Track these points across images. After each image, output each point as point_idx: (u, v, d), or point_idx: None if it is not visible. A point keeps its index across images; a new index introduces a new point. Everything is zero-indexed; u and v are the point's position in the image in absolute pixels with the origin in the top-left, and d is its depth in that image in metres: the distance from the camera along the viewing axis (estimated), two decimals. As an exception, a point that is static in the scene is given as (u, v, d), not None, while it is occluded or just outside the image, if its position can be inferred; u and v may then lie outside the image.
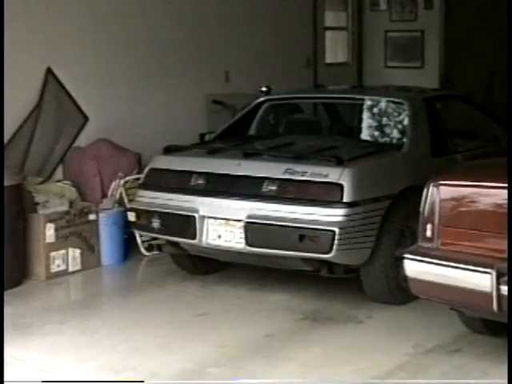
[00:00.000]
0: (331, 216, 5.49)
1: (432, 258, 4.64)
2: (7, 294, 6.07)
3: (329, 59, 10.81)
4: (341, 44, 11.16)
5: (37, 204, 6.73)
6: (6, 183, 6.30)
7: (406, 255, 4.81)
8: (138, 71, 8.17)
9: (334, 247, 5.45)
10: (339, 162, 5.64)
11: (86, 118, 7.69)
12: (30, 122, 7.33)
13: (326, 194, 5.57)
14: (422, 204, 4.82)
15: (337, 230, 5.43)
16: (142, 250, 7.17)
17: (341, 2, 11.11)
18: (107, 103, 7.85)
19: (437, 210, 4.74)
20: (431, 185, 4.79)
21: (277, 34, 9.69)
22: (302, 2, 10.19)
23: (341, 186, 5.52)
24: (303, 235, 5.51)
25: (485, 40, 10.41)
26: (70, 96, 7.58)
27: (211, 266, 6.59)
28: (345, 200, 5.50)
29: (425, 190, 4.81)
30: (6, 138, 7.16)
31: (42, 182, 7.09)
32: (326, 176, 5.58)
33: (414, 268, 4.74)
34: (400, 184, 5.82)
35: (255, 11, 9.40)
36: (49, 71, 7.43)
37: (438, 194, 4.74)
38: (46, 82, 7.42)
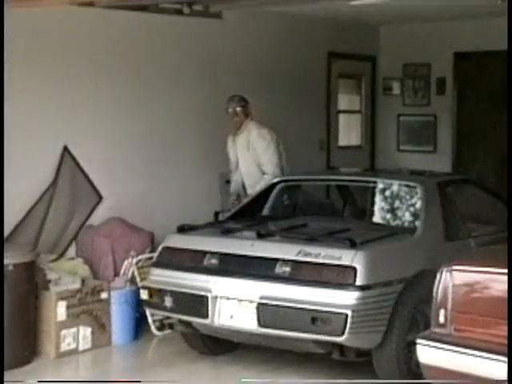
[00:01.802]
0: (344, 299, 5.48)
1: (445, 344, 4.61)
2: (17, 373, 6.04)
3: (342, 142, 10.90)
4: (354, 127, 11.27)
5: (49, 281, 6.74)
6: (18, 260, 6.33)
7: (418, 340, 4.78)
8: (151, 151, 8.26)
9: (347, 330, 5.42)
10: (352, 245, 5.65)
11: (99, 197, 7.75)
12: (45, 199, 7.39)
13: (338, 277, 5.56)
14: (435, 289, 4.81)
15: (349, 312, 5.42)
16: (153, 329, 7.14)
17: (354, 86, 11.25)
18: (121, 182, 7.92)
19: (450, 295, 4.72)
20: (444, 270, 4.78)
21: (290, 117, 9.80)
22: (316, 85, 10.33)
23: (354, 269, 5.53)
24: (316, 317, 5.50)
25: (495, 126, 10.49)
26: (84, 174, 7.66)
27: (223, 347, 6.56)
28: (358, 283, 5.50)
29: (438, 275, 4.80)
30: (21, 215, 7.22)
31: (54, 260, 7.11)
32: (339, 259, 5.59)
33: (427, 354, 4.70)
34: (413, 268, 5.81)
35: (269, 94, 9.52)
36: (65, 149, 7.52)
37: (451, 279, 4.73)
38: (62, 160, 7.50)
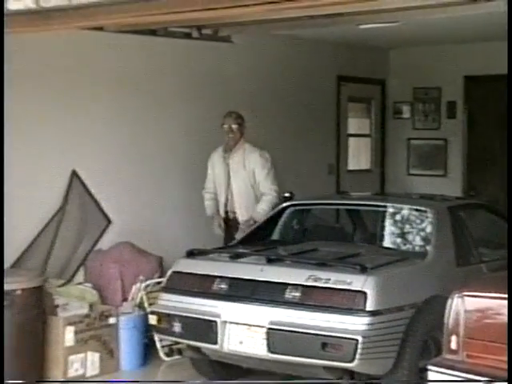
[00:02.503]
0: (354, 324, 5.42)
1: (457, 371, 4.55)
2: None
3: (351, 166, 10.88)
4: (364, 151, 11.24)
5: (57, 306, 6.70)
6: (26, 285, 6.30)
7: (430, 367, 4.72)
8: (160, 175, 8.25)
9: (357, 356, 5.36)
10: (363, 270, 5.60)
11: (108, 221, 7.72)
12: (53, 224, 7.37)
13: (349, 302, 5.51)
14: (447, 315, 4.75)
15: (360, 338, 5.35)
16: (162, 354, 7.08)
17: (364, 110, 11.24)
18: (130, 207, 7.90)
19: (462, 321, 4.67)
20: (456, 296, 4.73)
21: (300, 140, 9.79)
22: (326, 109, 10.32)
23: (364, 294, 5.47)
24: (326, 343, 5.44)
25: (506, 150, 10.45)
26: (93, 198, 7.64)
27: (232, 373, 6.50)
28: (368, 308, 5.44)
29: (449, 301, 4.75)
30: (29, 239, 7.20)
31: (63, 285, 7.07)
32: (350, 284, 5.53)
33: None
34: (424, 293, 5.76)
35: (278, 117, 9.52)
36: (74, 174, 7.51)
37: (463, 305, 4.68)
38: (71, 185, 7.49)
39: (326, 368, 5.61)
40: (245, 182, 7.63)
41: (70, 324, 6.59)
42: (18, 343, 6.22)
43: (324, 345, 5.44)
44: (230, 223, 7.77)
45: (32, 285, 6.36)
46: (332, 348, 5.42)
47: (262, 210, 7.53)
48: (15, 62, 6.95)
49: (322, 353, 5.45)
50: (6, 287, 6.20)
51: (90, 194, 7.60)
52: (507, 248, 4.27)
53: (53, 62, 7.30)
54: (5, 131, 6.99)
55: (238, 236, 7.36)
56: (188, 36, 7.86)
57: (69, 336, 6.58)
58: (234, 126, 7.67)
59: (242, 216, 7.67)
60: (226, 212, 7.78)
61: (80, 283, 7.27)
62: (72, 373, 6.58)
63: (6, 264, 6.91)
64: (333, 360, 5.48)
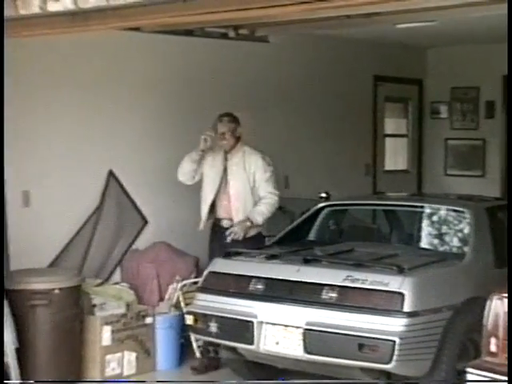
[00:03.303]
0: (391, 325, 5.38)
1: (497, 374, 4.49)
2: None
3: (388, 166, 10.82)
4: (400, 151, 11.18)
5: (94, 306, 6.73)
6: (64, 285, 6.35)
7: (469, 369, 4.67)
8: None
9: (394, 358, 5.32)
10: (400, 271, 5.56)
11: (145, 221, 7.75)
12: (90, 224, 7.41)
13: (386, 303, 5.47)
14: (486, 317, 4.70)
15: (397, 340, 5.31)
16: (198, 354, 7.09)
17: (401, 110, 11.18)
18: (166, 207, 7.91)
19: (501, 323, 4.60)
20: (495, 297, 4.67)
21: (337, 141, 9.76)
22: (362, 109, 10.28)
23: (402, 295, 5.43)
24: (362, 344, 5.40)
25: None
26: (130, 199, 7.67)
27: (267, 373, 6.48)
28: (405, 309, 5.40)
29: (488, 303, 4.69)
30: (67, 238, 7.24)
31: (99, 284, 7.10)
32: (387, 284, 5.50)
33: None
34: (462, 295, 5.70)
35: (315, 117, 9.50)
36: (110, 174, 7.54)
37: (502, 306, 4.61)
38: (108, 185, 7.52)
39: (362, 369, 5.58)
40: (244, 185, 7.06)
41: (107, 323, 6.62)
42: (56, 342, 6.27)
43: (361, 346, 5.40)
44: (216, 229, 7.18)
45: (70, 284, 6.40)
46: (369, 349, 5.38)
47: (261, 212, 7.02)
48: (51, 64, 7.02)
49: (359, 354, 5.41)
50: (45, 286, 6.26)
51: (126, 194, 7.62)
52: (507, 248, 4.24)
53: (89, 64, 7.33)
54: (43, 132, 7.06)
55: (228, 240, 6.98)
56: (224, 36, 7.86)
57: (106, 335, 6.61)
58: (226, 132, 7.07)
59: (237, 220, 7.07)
60: (219, 219, 7.15)
61: (117, 283, 7.31)
62: (109, 372, 6.61)
63: (45, 263, 6.97)
64: (369, 361, 5.44)
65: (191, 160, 7.13)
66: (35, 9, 4.85)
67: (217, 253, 6.76)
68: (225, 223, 7.11)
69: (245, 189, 7.06)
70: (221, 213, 7.16)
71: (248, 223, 6.98)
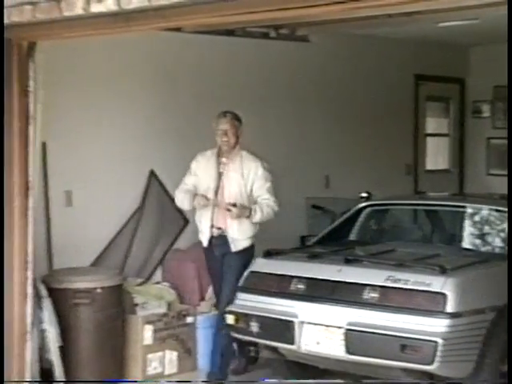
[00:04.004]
0: (434, 326, 5.35)
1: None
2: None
3: (429, 166, 10.75)
4: (442, 151, 11.10)
5: (136, 305, 6.76)
6: (107, 284, 6.38)
7: (513, 371, 4.63)
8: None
9: (437, 358, 5.29)
10: (443, 271, 5.53)
11: (186, 221, 7.76)
12: (132, 224, 7.45)
13: (428, 304, 5.44)
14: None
15: (439, 340, 5.28)
16: (238, 354, 7.09)
17: (443, 109, 11.10)
18: (208, 206, 7.92)
19: (546, 324, 4.56)
20: (539, 297, 4.62)
21: (377, 140, 9.72)
22: (403, 108, 10.23)
23: (444, 296, 5.40)
24: (405, 345, 5.38)
25: None
26: (171, 198, 7.68)
27: (309, 373, 6.47)
28: (448, 310, 5.37)
29: (532, 303, 4.65)
30: (109, 238, 7.29)
31: (141, 284, 7.13)
32: (429, 285, 5.47)
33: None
34: (505, 296, 5.63)
35: (356, 117, 9.47)
36: (152, 174, 7.57)
37: (547, 307, 4.57)
38: (149, 185, 7.56)
39: (404, 370, 5.56)
40: (241, 193, 6.50)
41: (149, 323, 6.65)
42: (98, 341, 6.31)
43: (403, 346, 5.38)
44: (213, 241, 6.60)
45: (112, 283, 6.44)
46: (411, 350, 5.36)
47: (261, 209, 6.47)
48: (92, 65, 7.08)
49: (401, 354, 5.39)
50: (87, 285, 6.30)
51: (167, 193, 7.65)
52: (507, 247, 4.19)
53: (129, 65, 7.38)
54: (85, 133, 7.11)
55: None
56: (265, 36, 7.86)
57: (147, 334, 6.63)
58: (229, 129, 6.52)
59: (232, 233, 6.52)
60: (211, 227, 6.57)
61: (158, 282, 7.34)
62: (150, 371, 6.64)
63: (87, 262, 7.02)
64: (412, 362, 5.42)
65: (188, 206, 6.70)
66: (78, 10, 4.88)
67: (212, 268, 6.72)
68: (214, 232, 6.56)
69: (241, 197, 6.49)
70: (212, 221, 6.56)
71: (247, 212, 6.42)
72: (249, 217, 6.45)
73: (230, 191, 6.52)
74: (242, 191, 6.50)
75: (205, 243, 6.63)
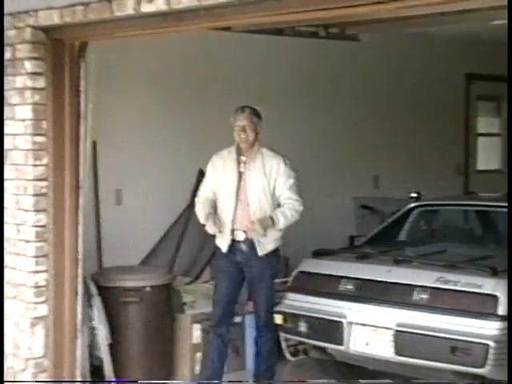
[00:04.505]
0: (485, 329, 5.28)
1: None
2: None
3: (480, 166, 10.64)
4: (493, 151, 10.98)
5: (184, 304, 6.78)
6: (156, 283, 6.43)
7: None
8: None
9: (488, 362, 5.22)
10: (494, 273, 5.45)
11: (234, 220, 7.76)
12: (181, 223, 7.47)
13: (479, 306, 5.37)
14: None
15: (491, 343, 5.21)
16: (287, 354, 7.05)
17: (494, 108, 10.97)
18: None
19: None
20: None
21: (427, 140, 9.64)
22: (454, 108, 10.13)
23: (495, 298, 5.32)
24: (455, 347, 5.32)
25: None
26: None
27: (357, 374, 6.43)
28: (500, 313, 5.29)
29: None
30: (158, 236, 7.32)
31: (189, 283, 7.16)
32: (480, 287, 5.40)
33: None
34: (558, 298, 5.56)
35: (406, 117, 9.40)
36: (200, 173, 7.58)
37: None
38: (198, 184, 7.56)
39: (454, 372, 5.49)
40: (265, 194, 6.07)
41: (197, 321, 6.67)
42: (147, 339, 6.36)
43: (453, 349, 5.32)
44: (235, 245, 6.12)
45: (161, 282, 6.47)
46: (461, 352, 5.30)
47: (284, 213, 6.05)
48: (143, 65, 7.12)
49: (451, 357, 5.33)
50: (136, 284, 6.35)
51: (216, 192, 7.66)
52: (507, 249, 4.11)
53: (180, 64, 7.40)
54: (135, 132, 7.16)
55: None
56: (315, 35, 7.81)
57: (196, 333, 6.65)
58: (247, 125, 6.06)
59: (258, 236, 6.04)
60: (233, 231, 6.10)
61: (206, 281, 7.34)
62: (198, 370, 6.64)
63: (136, 261, 7.06)
64: (462, 365, 5.35)
65: (202, 201, 6.25)
66: (129, 10, 4.91)
67: (226, 273, 6.18)
68: (240, 236, 6.10)
69: (266, 197, 6.06)
70: (235, 224, 6.10)
71: (269, 222, 6.02)
72: (273, 223, 6.01)
73: (252, 191, 6.07)
74: (266, 190, 6.06)
75: (224, 248, 6.13)
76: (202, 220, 6.18)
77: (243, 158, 6.12)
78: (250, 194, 6.07)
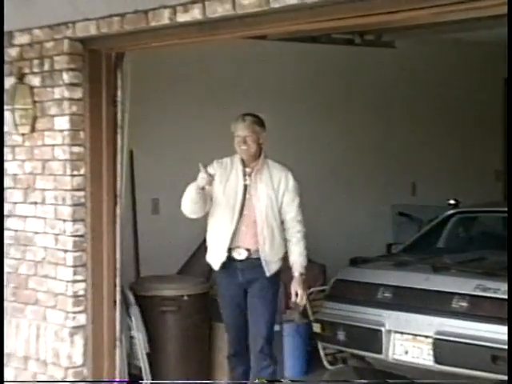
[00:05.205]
0: (526, 337, 5.23)
1: None
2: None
3: (520, 172, 10.53)
4: (533, 156, 10.87)
5: (221, 313, 6.77)
6: (193, 291, 6.44)
7: None
8: (323, 183, 8.20)
9: (530, 371, 5.16)
10: (534, 280, 5.39)
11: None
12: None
13: (519, 313, 5.31)
14: None
15: (533, 352, 5.15)
16: (325, 362, 7.05)
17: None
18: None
19: None
20: None
21: (465, 146, 9.57)
22: (492, 113, 10.04)
23: (535, 306, 5.27)
24: (496, 356, 5.27)
25: None
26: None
27: (397, 382, 6.39)
28: (540, 320, 5.23)
29: None
30: (195, 245, 7.32)
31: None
32: (520, 294, 5.34)
33: None
34: None
35: (442, 123, 9.34)
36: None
37: None
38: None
39: (495, 382, 5.44)
40: (272, 209, 5.55)
41: (235, 330, 6.65)
42: (184, 348, 6.36)
43: (494, 358, 5.28)
44: (238, 265, 5.57)
45: (198, 291, 6.48)
46: (503, 361, 5.22)
47: (302, 253, 5.61)
48: (179, 75, 7.15)
49: (493, 366, 5.29)
50: (174, 293, 6.36)
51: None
52: (507, 249, 4.06)
53: (218, 74, 7.42)
54: (171, 141, 7.18)
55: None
56: (350, 42, 7.81)
57: (233, 342, 6.63)
58: (248, 136, 5.55)
59: (265, 255, 5.53)
60: (234, 247, 5.55)
61: (243, 290, 7.33)
62: (236, 378, 6.65)
63: (173, 270, 7.08)
64: (504, 374, 5.28)
65: (191, 201, 5.55)
66: (165, 20, 4.94)
67: (230, 293, 5.67)
68: (239, 254, 5.56)
69: (273, 213, 5.55)
70: (236, 241, 5.57)
71: (304, 276, 5.59)
72: (303, 273, 5.60)
73: (259, 206, 5.53)
74: (274, 205, 5.54)
75: (216, 266, 5.61)
76: (191, 188, 5.54)
77: (248, 170, 5.60)
78: (256, 208, 5.55)
